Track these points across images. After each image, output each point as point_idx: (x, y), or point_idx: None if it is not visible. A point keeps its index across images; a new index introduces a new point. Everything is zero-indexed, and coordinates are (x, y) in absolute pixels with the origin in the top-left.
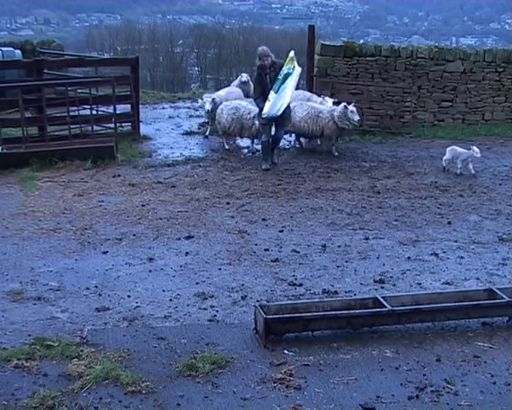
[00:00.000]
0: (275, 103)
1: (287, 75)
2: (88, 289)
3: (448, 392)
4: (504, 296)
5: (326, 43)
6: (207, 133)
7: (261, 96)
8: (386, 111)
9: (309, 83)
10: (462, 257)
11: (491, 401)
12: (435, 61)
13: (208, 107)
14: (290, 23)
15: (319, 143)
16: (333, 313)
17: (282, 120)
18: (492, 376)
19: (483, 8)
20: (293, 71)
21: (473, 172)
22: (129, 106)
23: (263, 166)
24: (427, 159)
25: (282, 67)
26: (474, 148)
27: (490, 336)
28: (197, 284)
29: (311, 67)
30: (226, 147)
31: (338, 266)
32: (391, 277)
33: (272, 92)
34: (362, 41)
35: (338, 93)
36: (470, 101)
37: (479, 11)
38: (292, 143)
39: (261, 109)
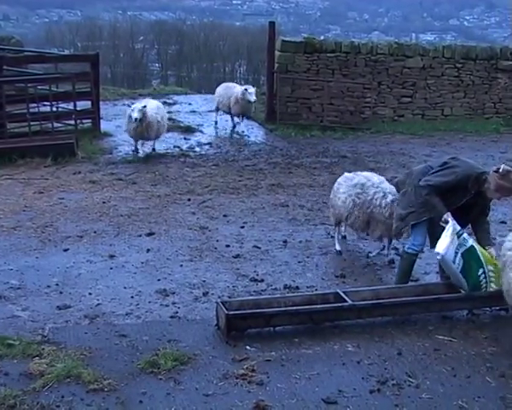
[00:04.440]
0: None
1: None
2: (49, 287)
3: (409, 385)
4: (463, 290)
5: (286, 39)
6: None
7: (438, 196)
8: (346, 107)
9: (269, 79)
10: (422, 251)
11: (451, 394)
12: (395, 57)
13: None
14: (251, 19)
15: None
16: (294, 308)
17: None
18: (453, 368)
19: (442, 4)
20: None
21: None
22: (89, 102)
23: None
24: (388, 154)
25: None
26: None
27: (450, 329)
28: (158, 280)
29: (271, 64)
30: (337, 248)
31: (299, 262)
32: (352, 271)
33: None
34: (322, 37)
35: (298, 89)
36: (430, 96)
37: (438, 7)
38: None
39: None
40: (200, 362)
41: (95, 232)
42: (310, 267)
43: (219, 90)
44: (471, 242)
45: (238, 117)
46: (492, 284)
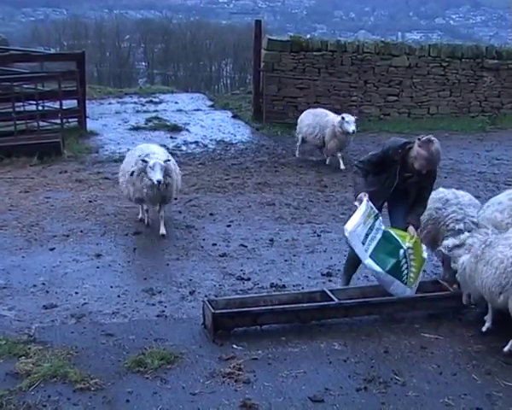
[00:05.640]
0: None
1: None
2: (35, 286)
3: (396, 383)
4: (450, 288)
5: (273, 38)
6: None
7: (366, 176)
8: (332, 105)
9: (255, 78)
10: None
11: (437, 391)
12: (381, 55)
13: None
14: (237, 18)
15: None
16: (281, 306)
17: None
18: (439, 366)
19: (428, 3)
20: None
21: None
22: (75, 101)
23: None
24: None
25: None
26: None
27: (436, 327)
28: (145, 279)
29: (257, 62)
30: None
31: (286, 260)
32: (338, 270)
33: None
34: (308, 36)
35: (285, 88)
36: (416, 95)
37: (424, 6)
38: None
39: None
40: (187, 361)
41: (81, 231)
42: (296, 266)
43: (305, 118)
44: (383, 227)
45: (335, 155)
46: (412, 263)
